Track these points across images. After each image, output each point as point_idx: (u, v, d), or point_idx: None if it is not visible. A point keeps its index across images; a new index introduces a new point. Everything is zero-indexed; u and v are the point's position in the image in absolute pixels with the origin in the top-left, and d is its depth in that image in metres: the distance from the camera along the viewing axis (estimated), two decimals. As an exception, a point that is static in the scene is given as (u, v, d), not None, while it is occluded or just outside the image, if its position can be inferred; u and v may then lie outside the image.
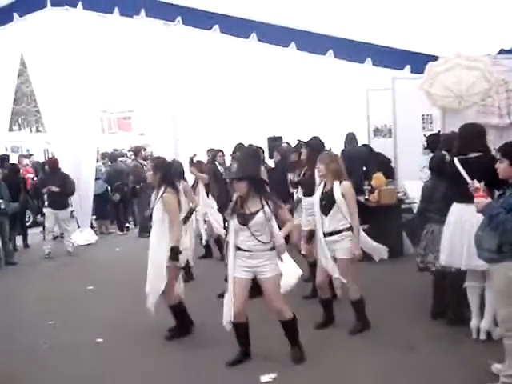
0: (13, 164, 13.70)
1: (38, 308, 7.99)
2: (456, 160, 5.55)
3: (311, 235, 6.77)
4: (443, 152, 6.22)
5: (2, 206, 10.82)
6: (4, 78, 12.47)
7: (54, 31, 12.04)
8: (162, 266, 6.03)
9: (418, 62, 9.27)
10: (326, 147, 9.06)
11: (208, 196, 9.72)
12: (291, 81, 12.15)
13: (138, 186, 13.03)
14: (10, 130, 23.08)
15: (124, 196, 14.08)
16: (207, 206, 9.58)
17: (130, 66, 12.34)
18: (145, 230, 10.93)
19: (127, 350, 6.16)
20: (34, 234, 13.39)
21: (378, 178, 9.54)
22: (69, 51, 12.08)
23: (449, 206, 5.67)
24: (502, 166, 4.58)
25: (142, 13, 11.21)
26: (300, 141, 8.26)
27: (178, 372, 5.55)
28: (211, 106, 12.64)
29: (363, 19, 9.85)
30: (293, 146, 10.51)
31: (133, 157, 16.62)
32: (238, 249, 5.36)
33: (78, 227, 13.17)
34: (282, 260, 5.40)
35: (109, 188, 14.53)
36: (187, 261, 8.69)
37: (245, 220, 5.30)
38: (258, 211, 5.28)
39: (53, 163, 12.20)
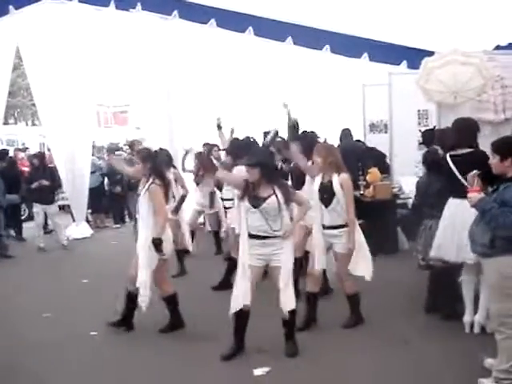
0: (10, 157, 13.75)
1: (32, 301, 7.97)
2: (448, 157, 5.58)
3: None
4: (435, 147, 6.23)
5: (-3, 200, 10.81)
6: (-1, 70, 12.44)
7: (50, 24, 12.00)
8: (148, 259, 6.01)
9: (414, 57, 9.31)
10: (321, 139, 9.10)
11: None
12: (287, 75, 12.12)
13: (133, 180, 13.00)
14: (6, 123, 23.05)
15: (123, 188, 14.10)
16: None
17: (127, 60, 12.34)
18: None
19: (121, 344, 6.15)
20: (29, 227, 13.38)
21: (373, 173, 9.56)
22: (65, 44, 12.04)
23: (444, 201, 5.69)
24: (493, 162, 4.60)
25: (139, 6, 11.21)
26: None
27: (171, 365, 5.54)
28: (207, 100, 12.61)
29: (360, 14, 9.87)
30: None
31: (128, 150, 16.58)
32: (250, 236, 5.34)
33: (74, 221, 13.15)
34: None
35: (105, 181, 14.54)
36: (182, 250, 8.77)
37: (257, 203, 5.29)
38: (270, 196, 5.27)
39: (41, 158, 12.17)
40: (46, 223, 12.30)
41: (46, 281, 9.15)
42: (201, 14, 10.80)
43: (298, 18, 10.22)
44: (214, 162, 10.44)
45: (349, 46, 10.04)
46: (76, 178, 12.62)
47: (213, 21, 10.68)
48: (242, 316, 5.45)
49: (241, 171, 7.63)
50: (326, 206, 5.97)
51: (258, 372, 5.19)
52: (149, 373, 5.43)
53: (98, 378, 5.41)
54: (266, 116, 12.77)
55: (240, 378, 5.20)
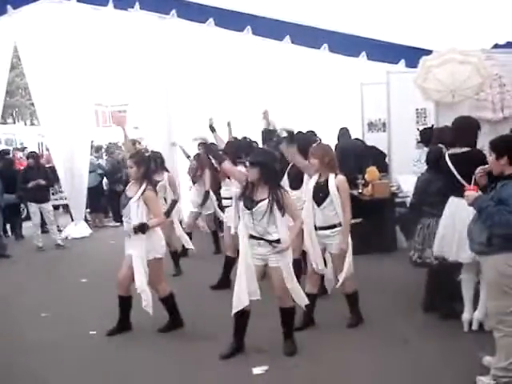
0: (7, 157, 13.77)
1: (31, 300, 7.98)
2: (447, 156, 5.60)
3: None
4: (440, 145, 6.22)
5: (-5, 200, 10.82)
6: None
7: (48, 24, 12.00)
8: (141, 262, 6.03)
9: (412, 56, 9.30)
10: (319, 138, 9.11)
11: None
12: (285, 74, 12.12)
13: (131, 179, 13.02)
14: (4, 123, 23.05)
15: (125, 187, 14.11)
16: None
17: (125, 59, 12.34)
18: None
19: (120, 343, 6.16)
20: (28, 227, 13.39)
21: (372, 171, 9.56)
22: (63, 44, 12.05)
23: (444, 200, 5.70)
24: (490, 160, 4.62)
25: (137, 6, 11.21)
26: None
27: (171, 364, 5.55)
28: (205, 99, 12.60)
29: (358, 13, 9.88)
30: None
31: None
32: (249, 235, 5.39)
33: (72, 220, 13.16)
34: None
35: (104, 181, 14.56)
36: (176, 251, 8.78)
37: (250, 204, 5.33)
38: (262, 200, 5.30)
39: (36, 158, 12.20)
40: (44, 223, 12.29)
41: (44, 280, 9.16)
42: (199, 14, 10.81)
43: (296, 17, 10.23)
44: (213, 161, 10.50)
45: (347, 44, 10.05)
46: (75, 178, 12.64)
47: (211, 20, 10.68)
48: (243, 316, 5.46)
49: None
50: (319, 205, 5.96)
51: (256, 371, 5.20)
52: (148, 372, 5.44)
53: (97, 377, 5.41)
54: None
55: (239, 376, 5.20)
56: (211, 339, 5.91)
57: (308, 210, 6.06)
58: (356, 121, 11.49)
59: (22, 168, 13.80)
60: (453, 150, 5.64)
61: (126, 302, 6.25)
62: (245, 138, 10.01)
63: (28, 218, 13.44)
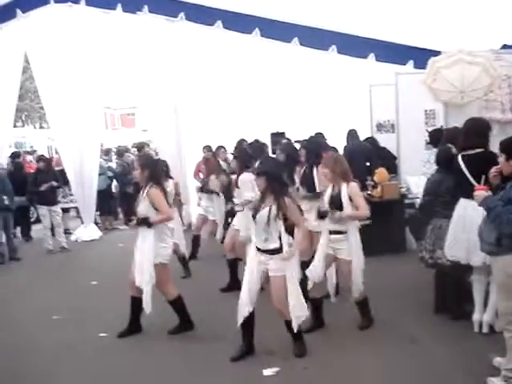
0: (17, 161, 13.87)
1: (42, 303, 8.02)
2: (460, 157, 5.58)
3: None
4: (449, 145, 6.21)
5: (6, 202, 10.88)
6: (8, 74, 12.51)
7: (57, 28, 12.08)
8: (147, 266, 6.05)
9: (420, 57, 9.29)
10: (328, 142, 9.12)
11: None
12: (294, 76, 12.13)
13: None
14: (14, 126, 23.12)
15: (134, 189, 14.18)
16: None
17: (134, 63, 12.36)
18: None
19: (131, 345, 6.19)
20: (37, 229, 13.46)
21: (381, 173, 9.55)
22: (72, 48, 12.11)
23: (454, 200, 5.69)
24: (500, 161, 4.62)
25: (145, 9, 11.26)
26: (298, 141, 8.27)
27: (181, 366, 5.58)
28: (214, 101, 12.64)
29: (366, 15, 9.87)
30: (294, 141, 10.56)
31: (136, 152, 16.68)
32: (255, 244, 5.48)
33: (82, 223, 13.21)
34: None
35: (113, 184, 14.61)
36: (184, 257, 8.81)
37: (255, 212, 5.43)
38: (265, 207, 5.38)
39: (48, 162, 12.31)
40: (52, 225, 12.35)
41: (55, 283, 9.20)
42: (207, 16, 10.83)
43: (304, 19, 10.22)
44: (222, 163, 10.53)
45: (355, 46, 10.03)
46: (84, 181, 12.69)
47: (219, 22, 10.71)
48: (247, 321, 5.49)
49: (244, 180, 7.66)
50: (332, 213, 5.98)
51: (267, 372, 5.22)
52: (158, 374, 5.46)
53: (108, 379, 5.45)
54: (272, 117, 12.81)
55: (249, 378, 5.22)
56: (221, 341, 5.93)
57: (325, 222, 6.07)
58: (365, 122, 11.46)
59: (31, 171, 13.90)
60: (465, 151, 5.62)
61: (137, 303, 6.27)
62: (256, 141, 10.03)
63: (37, 220, 13.54)
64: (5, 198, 10.86)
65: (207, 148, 11.37)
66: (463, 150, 5.64)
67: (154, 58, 11.96)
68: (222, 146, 11.23)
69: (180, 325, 6.36)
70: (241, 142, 10.66)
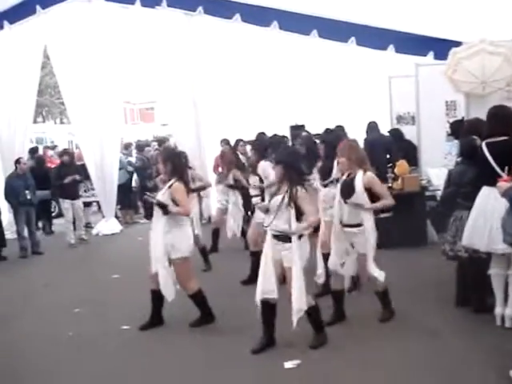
0: (38, 155, 14.01)
1: (64, 296, 8.09)
2: (484, 145, 5.52)
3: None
4: (474, 137, 6.14)
5: (28, 197, 11.00)
6: (28, 70, 12.62)
7: (76, 23, 12.17)
8: (162, 261, 6.09)
9: (441, 48, 9.21)
10: (349, 135, 9.07)
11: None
12: (313, 69, 12.10)
13: (160, 176, 13.14)
14: (34, 121, 23.36)
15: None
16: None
17: (152, 57, 12.41)
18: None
19: (153, 337, 6.23)
20: (59, 224, 13.59)
21: (402, 165, 9.49)
22: (92, 43, 12.20)
23: (478, 191, 5.63)
24: None
25: (164, 3, 11.29)
26: (317, 134, 8.25)
27: (202, 359, 5.59)
28: (233, 95, 12.64)
29: (385, 5, 9.79)
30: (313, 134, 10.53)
31: (156, 147, 16.75)
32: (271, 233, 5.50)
33: (103, 217, 13.31)
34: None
35: (134, 178, 14.68)
36: (204, 248, 8.83)
37: (269, 199, 5.51)
38: (279, 194, 5.41)
39: (71, 156, 12.45)
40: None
41: (76, 276, 9.28)
42: (225, 9, 10.83)
43: (323, 11, 10.17)
44: (241, 157, 10.52)
45: (374, 37, 9.97)
46: (105, 175, 12.79)
47: (237, 16, 10.70)
48: (265, 307, 5.50)
49: (264, 167, 7.69)
50: (345, 202, 5.95)
51: (288, 365, 5.21)
52: (180, 366, 5.48)
53: (130, 371, 5.48)
54: (292, 110, 12.79)
55: (271, 370, 5.23)
56: (242, 333, 5.94)
57: (336, 206, 6.06)
58: (384, 114, 11.41)
59: (53, 166, 14.04)
60: (489, 139, 5.56)
61: (157, 296, 6.30)
62: (275, 135, 10.02)
63: (59, 215, 13.69)
64: (27, 192, 10.98)
65: (225, 141, 11.39)
66: (487, 137, 5.58)
67: (173, 53, 12.00)
68: (240, 139, 11.23)
69: (201, 317, 6.38)
70: (260, 135, 10.66)
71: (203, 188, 9.19)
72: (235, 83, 12.60)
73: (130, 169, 14.68)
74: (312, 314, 5.51)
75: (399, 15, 9.71)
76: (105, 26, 12.17)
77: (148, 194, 6.74)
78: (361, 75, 11.61)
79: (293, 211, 5.34)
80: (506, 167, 4.73)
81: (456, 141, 7.61)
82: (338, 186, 6.11)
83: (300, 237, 5.39)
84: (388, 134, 11.01)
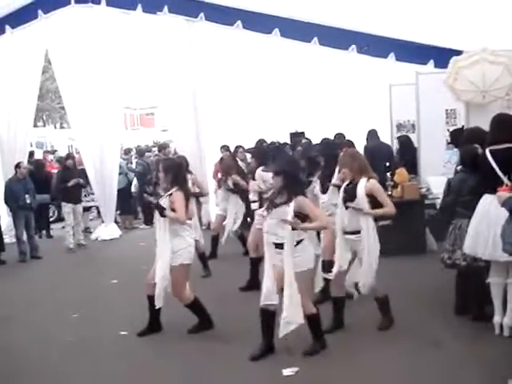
0: (38, 159, 14.01)
1: (62, 301, 8.08)
2: (488, 151, 5.52)
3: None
4: (475, 145, 6.15)
5: (28, 201, 11.00)
6: (29, 74, 12.63)
7: (78, 28, 12.18)
8: (164, 266, 6.07)
9: (441, 56, 9.23)
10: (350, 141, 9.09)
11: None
12: (313, 76, 12.13)
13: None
14: (35, 126, 23.37)
15: (155, 189, 14.25)
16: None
17: (153, 63, 12.44)
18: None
19: (151, 343, 6.22)
20: (58, 228, 13.59)
21: (401, 173, 9.50)
22: (93, 48, 12.22)
23: (477, 200, 5.63)
24: None
25: (165, 9, 11.32)
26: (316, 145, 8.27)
27: (201, 365, 5.58)
28: (234, 101, 12.67)
29: (386, 14, 9.82)
30: (314, 142, 10.57)
31: (155, 152, 16.77)
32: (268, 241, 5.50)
33: (102, 222, 13.30)
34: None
35: (133, 183, 14.68)
36: (203, 254, 8.83)
37: (271, 206, 5.45)
38: (282, 204, 5.39)
39: (75, 160, 12.50)
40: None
41: (75, 281, 9.27)
42: (227, 16, 10.86)
43: (324, 19, 10.21)
44: (240, 163, 10.53)
45: (375, 45, 10.00)
46: (105, 180, 12.79)
47: (239, 22, 10.73)
48: (264, 314, 5.50)
49: (261, 176, 7.71)
50: (346, 208, 5.96)
51: (287, 372, 5.20)
52: (178, 372, 5.47)
53: (127, 377, 5.47)
54: (292, 117, 12.82)
55: (269, 378, 5.22)
56: (241, 340, 5.93)
57: (338, 213, 6.08)
58: (385, 122, 11.44)
59: (52, 171, 14.07)
60: (493, 146, 5.56)
61: (154, 303, 6.30)
62: (272, 142, 10.04)
63: (58, 219, 13.69)
64: (27, 196, 10.99)
65: (225, 148, 11.41)
66: (491, 144, 5.58)
67: (174, 58, 12.02)
68: (240, 146, 11.25)
69: (199, 324, 6.37)
70: (260, 141, 10.69)
71: (200, 194, 9.22)
72: (236, 89, 12.62)
73: (130, 174, 14.66)
74: (312, 320, 5.51)
75: (400, 24, 9.75)
76: (106, 31, 12.20)
77: (148, 192, 6.77)
78: (361, 83, 11.64)
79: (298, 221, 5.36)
80: (507, 175, 4.72)
81: (456, 149, 7.63)
82: (341, 192, 6.11)
83: (299, 242, 5.40)
84: (396, 140, 10.98)
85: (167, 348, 6.03)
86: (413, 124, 10.74)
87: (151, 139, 29.28)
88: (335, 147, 7.62)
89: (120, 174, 13.59)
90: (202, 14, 11.18)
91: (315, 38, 10.25)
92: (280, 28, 10.45)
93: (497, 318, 5.70)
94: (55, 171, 14.48)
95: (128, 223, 14.42)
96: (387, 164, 10.49)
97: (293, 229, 5.35)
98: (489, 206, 5.43)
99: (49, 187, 12.89)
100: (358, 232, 5.91)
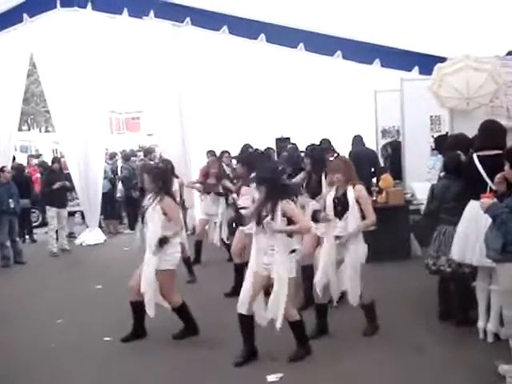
0: (18, 164, 13.91)
1: (46, 307, 8.04)
2: (475, 157, 5.55)
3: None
4: (458, 152, 6.19)
5: (12, 206, 10.91)
6: (14, 78, 12.56)
7: (63, 32, 12.13)
8: (150, 274, 6.06)
9: (426, 63, 9.29)
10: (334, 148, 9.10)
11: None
12: (299, 82, 12.16)
13: (145, 186, 13.07)
14: (19, 129, 23.19)
15: (141, 194, 14.15)
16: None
17: (139, 67, 12.40)
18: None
19: (135, 349, 6.19)
20: (41, 233, 13.50)
21: (386, 178, 9.54)
22: (78, 52, 12.16)
23: (461, 206, 5.65)
24: (505, 168, 4.61)
25: (151, 14, 11.28)
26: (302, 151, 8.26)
27: (185, 371, 5.57)
28: (219, 106, 12.67)
29: (371, 20, 9.89)
30: (299, 147, 10.60)
31: (141, 157, 16.69)
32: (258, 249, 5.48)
33: (87, 227, 13.23)
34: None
35: (118, 187, 14.59)
36: (189, 259, 8.82)
37: (260, 219, 5.42)
38: (271, 213, 5.38)
39: (61, 164, 12.46)
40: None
41: (59, 286, 9.21)
42: (213, 21, 10.86)
43: (310, 25, 10.24)
44: (226, 168, 10.52)
45: (360, 52, 10.05)
46: (89, 184, 12.72)
47: (225, 28, 10.73)
48: (243, 321, 5.52)
49: (248, 191, 7.68)
50: (340, 219, 5.95)
51: (271, 378, 5.20)
52: (163, 378, 5.46)
53: (113, 383, 5.43)
54: (278, 122, 12.83)
55: (254, 383, 5.21)
56: (226, 346, 5.92)
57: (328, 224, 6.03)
58: (370, 128, 11.49)
59: (37, 175, 13.98)
60: (481, 152, 5.59)
61: (138, 308, 6.28)
62: (256, 150, 10.03)
63: (43, 224, 13.58)
64: (10, 201, 10.90)
65: (211, 153, 11.39)
66: (478, 150, 5.62)
67: (160, 63, 12.01)
68: (226, 151, 11.24)
69: (185, 329, 6.34)
70: (246, 146, 10.68)
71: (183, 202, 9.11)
72: (221, 94, 12.62)
73: (111, 177, 14.54)
74: (296, 327, 5.51)
75: (385, 30, 9.81)
76: (91, 35, 12.15)
77: (134, 197, 6.81)
78: (347, 89, 11.68)
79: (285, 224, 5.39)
80: (488, 185, 4.76)
81: (440, 155, 7.67)
82: (330, 202, 6.07)
83: (293, 251, 5.44)
84: (387, 146, 11.03)
85: (152, 354, 6.00)
86: (398, 130, 10.80)
87: (137, 143, 29.14)
88: (322, 154, 7.62)
89: (104, 178, 13.53)
90: (188, 19, 11.16)
91: (301, 44, 10.27)
92: (266, 34, 10.46)
93: (481, 323, 5.74)
94: (38, 175, 14.40)
95: (112, 228, 14.34)
96: (372, 170, 10.53)
97: (289, 236, 5.41)
98: (476, 211, 5.44)
99: (29, 192, 12.79)
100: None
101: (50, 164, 13.08)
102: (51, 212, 11.69)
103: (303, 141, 10.75)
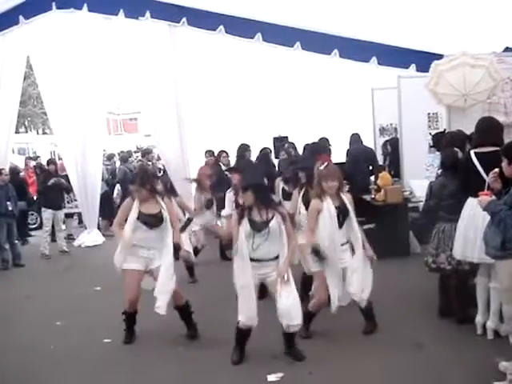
0: (14, 166, 13.88)
1: (45, 309, 8.02)
2: (473, 154, 5.55)
3: None
4: (455, 149, 6.19)
5: (10, 208, 10.90)
6: (11, 80, 12.56)
7: (59, 33, 12.11)
8: (170, 266, 6.14)
9: (423, 60, 9.27)
10: (332, 147, 9.09)
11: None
12: (296, 80, 12.16)
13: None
14: (17, 132, 23.17)
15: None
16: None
17: (136, 68, 12.37)
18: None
19: (135, 350, 6.19)
20: (39, 236, 13.45)
21: (385, 176, 9.54)
22: (75, 53, 12.14)
23: (459, 204, 5.65)
24: (503, 165, 4.61)
25: (147, 14, 11.24)
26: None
27: (186, 371, 5.56)
28: (217, 106, 12.66)
29: (368, 18, 9.88)
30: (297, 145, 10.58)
31: (139, 158, 16.69)
32: (250, 259, 5.40)
33: (85, 228, 13.21)
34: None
35: (116, 189, 14.56)
36: (192, 265, 8.82)
37: (259, 226, 5.38)
38: (270, 219, 5.39)
39: (57, 166, 12.49)
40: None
41: (58, 288, 9.20)
42: (209, 21, 10.82)
43: (307, 24, 10.23)
44: (223, 168, 10.51)
45: (357, 50, 10.02)
46: (87, 186, 12.70)
47: (221, 27, 10.70)
48: (243, 333, 5.55)
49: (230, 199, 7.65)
50: (341, 227, 5.92)
51: (271, 378, 5.19)
52: (163, 379, 5.45)
53: (113, 385, 5.44)
54: (275, 121, 12.83)
55: (254, 383, 5.21)
56: (225, 346, 5.89)
57: (331, 233, 5.89)
58: (367, 126, 11.49)
59: (33, 178, 13.95)
60: (479, 149, 5.58)
61: (133, 318, 6.38)
62: (264, 148, 10.01)
63: (41, 226, 13.53)
64: (8, 203, 10.88)
65: (209, 153, 11.38)
66: (476, 147, 5.61)
67: (157, 63, 11.97)
68: (223, 151, 11.23)
69: (192, 328, 6.37)
70: (243, 146, 10.66)
71: (189, 223, 8.96)
72: (219, 94, 12.61)
73: (109, 178, 14.51)
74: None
75: (382, 28, 9.80)
76: (88, 36, 12.13)
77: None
78: (344, 87, 11.68)
79: (284, 232, 5.41)
80: (487, 181, 4.75)
81: (438, 153, 7.67)
82: (333, 213, 5.87)
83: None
84: (387, 143, 11.02)
85: (151, 354, 6.00)
86: (395, 128, 10.80)
87: (134, 144, 29.12)
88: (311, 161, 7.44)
89: (101, 179, 13.50)
90: (184, 19, 11.12)
91: (298, 43, 10.25)
92: (263, 33, 10.43)
93: (479, 318, 5.75)
94: (34, 178, 14.38)
95: (110, 229, 14.28)
96: (370, 168, 10.52)
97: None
98: (475, 208, 5.42)
99: (25, 194, 12.75)
100: (346, 243, 5.96)
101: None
102: (46, 214, 11.69)
103: (301, 139, 10.74)
